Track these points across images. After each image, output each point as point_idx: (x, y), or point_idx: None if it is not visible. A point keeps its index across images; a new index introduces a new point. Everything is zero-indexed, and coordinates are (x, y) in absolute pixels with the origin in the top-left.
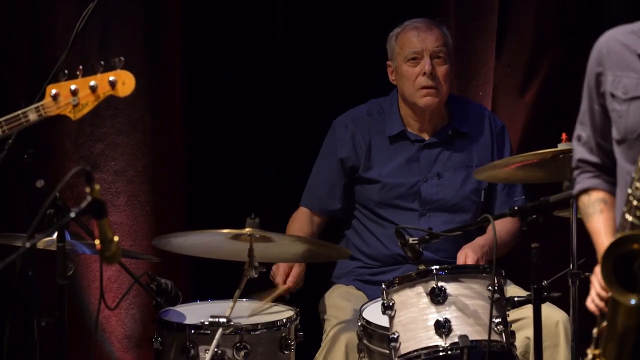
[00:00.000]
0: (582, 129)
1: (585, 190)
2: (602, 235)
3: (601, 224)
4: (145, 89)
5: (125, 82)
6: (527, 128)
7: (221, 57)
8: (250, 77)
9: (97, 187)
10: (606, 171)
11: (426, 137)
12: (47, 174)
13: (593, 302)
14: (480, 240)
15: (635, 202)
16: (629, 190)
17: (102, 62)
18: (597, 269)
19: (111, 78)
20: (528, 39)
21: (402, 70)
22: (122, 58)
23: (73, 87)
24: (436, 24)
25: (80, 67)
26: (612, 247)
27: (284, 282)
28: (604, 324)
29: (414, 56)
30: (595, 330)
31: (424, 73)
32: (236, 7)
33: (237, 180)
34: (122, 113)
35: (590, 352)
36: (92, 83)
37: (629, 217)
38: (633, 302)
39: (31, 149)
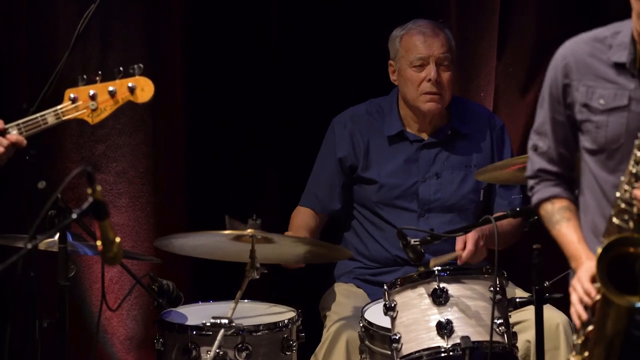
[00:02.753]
0: (540, 139)
1: (548, 199)
2: (577, 243)
3: (572, 232)
4: None
5: (144, 88)
6: (528, 128)
7: (222, 57)
8: (251, 77)
9: (98, 188)
10: (565, 180)
11: (425, 137)
12: (49, 175)
13: (575, 307)
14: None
15: (623, 205)
16: (617, 194)
17: (121, 68)
18: (580, 274)
19: (130, 84)
20: (529, 39)
21: (406, 74)
22: (142, 65)
23: (92, 92)
24: (441, 27)
25: (100, 72)
26: (606, 250)
27: None
28: (589, 329)
29: (420, 62)
30: (575, 337)
31: (429, 79)
32: (236, 7)
33: (239, 181)
34: (123, 114)
35: (573, 359)
36: (111, 88)
37: (616, 221)
38: (639, 305)
39: (33, 150)
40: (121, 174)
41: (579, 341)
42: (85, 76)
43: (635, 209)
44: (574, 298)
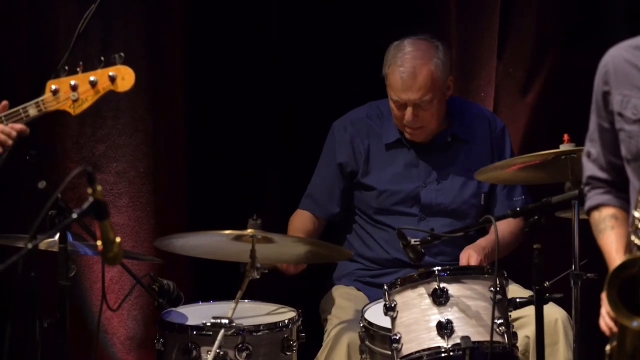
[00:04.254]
0: (592, 146)
1: (596, 207)
2: (614, 252)
3: (613, 241)
4: (147, 89)
5: (125, 77)
6: (528, 129)
7: (223, 57)
8: (251, 77)
9: (99, 188)
10: (617, 187)
11: (424, 143)
12: (49, 175)
13: (604, 320)
14: (482, 242)
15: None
16: (636, 214)
17: (102, 58)
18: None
19: (111, 73)
20: (530, 39)
21: (390, 103)
22: (122, 54)
23: (73, 82)
24: (426, 58)
25: (81, 63)
26: (617, 270)
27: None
28: (615, 343)
29: (398, 103)
30: (608, 347)
31: (407, 120)
32: (237, 8)
33: (239, 181)
34: (123, 114)
35: None
36: (91, 78)
37: (635, 240)
38: (635, 324)
39: (33, 150)
40: (121, 174)
41: (608, 352)
42: (67, 67)
43: None
44: (602, 311)
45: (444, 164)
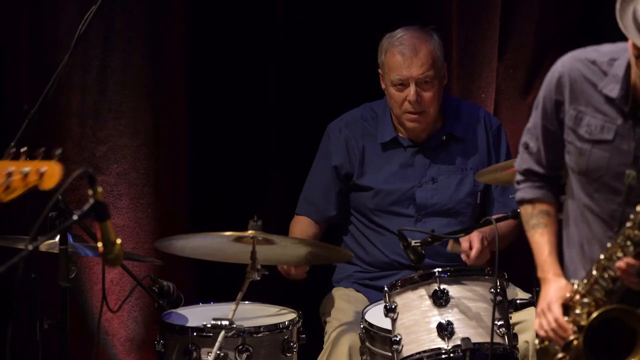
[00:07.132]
0: (532, 140)
1: (530, 200)
2: (547, 255)
3: (545, 241)
4: (148, 91)
5: (53, 174)
6: None
7: (224, 59)
8: (252, 78)
9: (99, 189)
10: (551, 182)
11: (419, 141)
12: None
13: (552, 337)
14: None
15: (605, 265)
16: (602, 256)
17: (44, 149)
18: (551, 303)
19: (42, 169)
20: (530, 40)
21: (389, 91)
22: (61, 150)
23: (11, 169)
24: (424, 39)
25: (25, 148)
26: (590, 327)
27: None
28: (560, 356)
29: (400, 82)
30: (537, 343)
31: (410, 100)
32: (238, 9)
33: (240, 183)
34: (124, 115)
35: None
36: (24, 169)
37: (595, 273)
38: None
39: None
40: (122, 176)
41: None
42: (14, 149)
43: (612, 273)
44: (545, 326)
45: (439, 163)
